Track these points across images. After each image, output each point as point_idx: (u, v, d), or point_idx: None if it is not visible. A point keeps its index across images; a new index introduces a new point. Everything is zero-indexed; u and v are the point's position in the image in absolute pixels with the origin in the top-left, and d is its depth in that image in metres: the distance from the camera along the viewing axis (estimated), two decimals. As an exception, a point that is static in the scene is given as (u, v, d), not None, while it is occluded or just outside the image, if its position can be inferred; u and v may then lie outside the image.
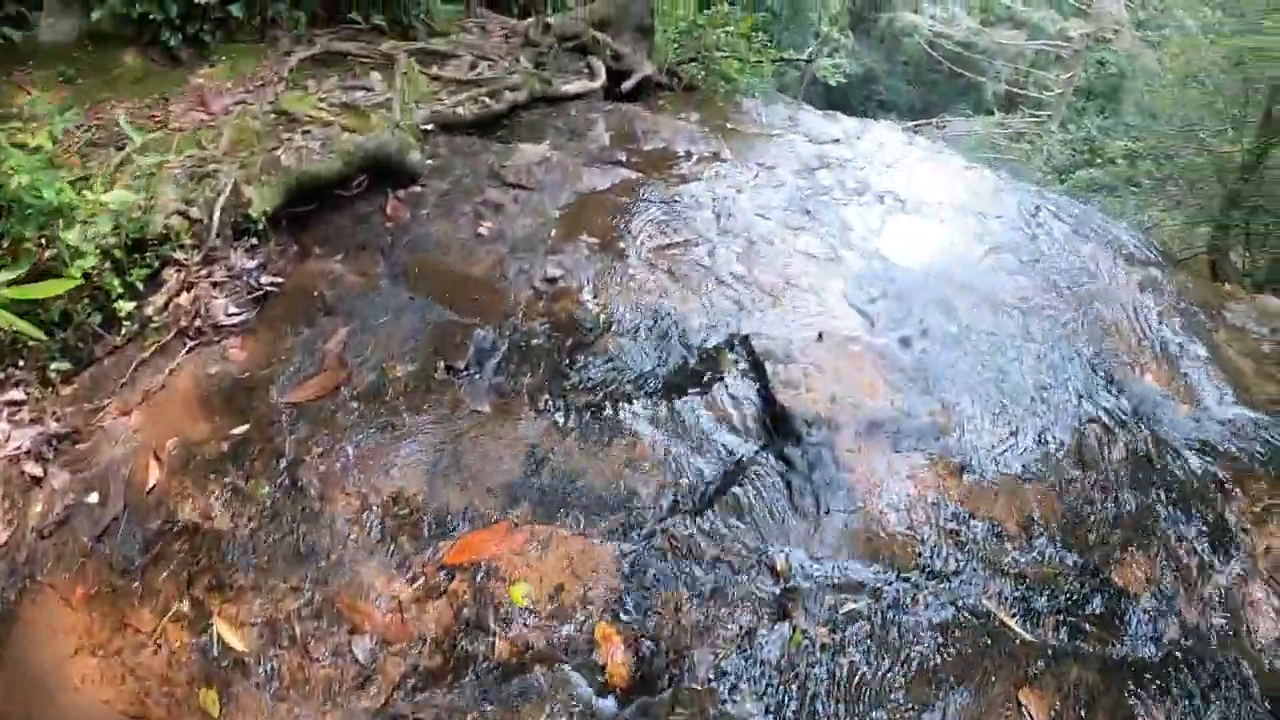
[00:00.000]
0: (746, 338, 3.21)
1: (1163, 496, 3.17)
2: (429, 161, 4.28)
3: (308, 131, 3.97)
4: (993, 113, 17.33)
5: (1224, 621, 2.68)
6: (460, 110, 4.60)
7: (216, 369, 3.01)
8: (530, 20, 5.77)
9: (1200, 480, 3.37)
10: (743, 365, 3.09)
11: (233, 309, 3.19)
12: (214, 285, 3.30)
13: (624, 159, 4.74)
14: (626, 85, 5.90)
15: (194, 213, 3.41)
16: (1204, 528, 3.07)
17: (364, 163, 3.84)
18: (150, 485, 2.59)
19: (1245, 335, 4.88)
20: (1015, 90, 18.00)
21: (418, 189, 4.06)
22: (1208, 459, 3.51)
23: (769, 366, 3.03)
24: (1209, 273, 9.53)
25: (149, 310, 3.15)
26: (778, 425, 2.84)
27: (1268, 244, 9.38)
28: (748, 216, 4.31)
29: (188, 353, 3.08)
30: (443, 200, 4.01)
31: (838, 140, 5.91)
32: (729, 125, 5.76)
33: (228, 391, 2.90)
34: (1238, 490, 3.37)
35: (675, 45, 6.82)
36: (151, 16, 4.42)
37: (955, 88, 20.47)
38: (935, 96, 21.22)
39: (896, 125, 6.73)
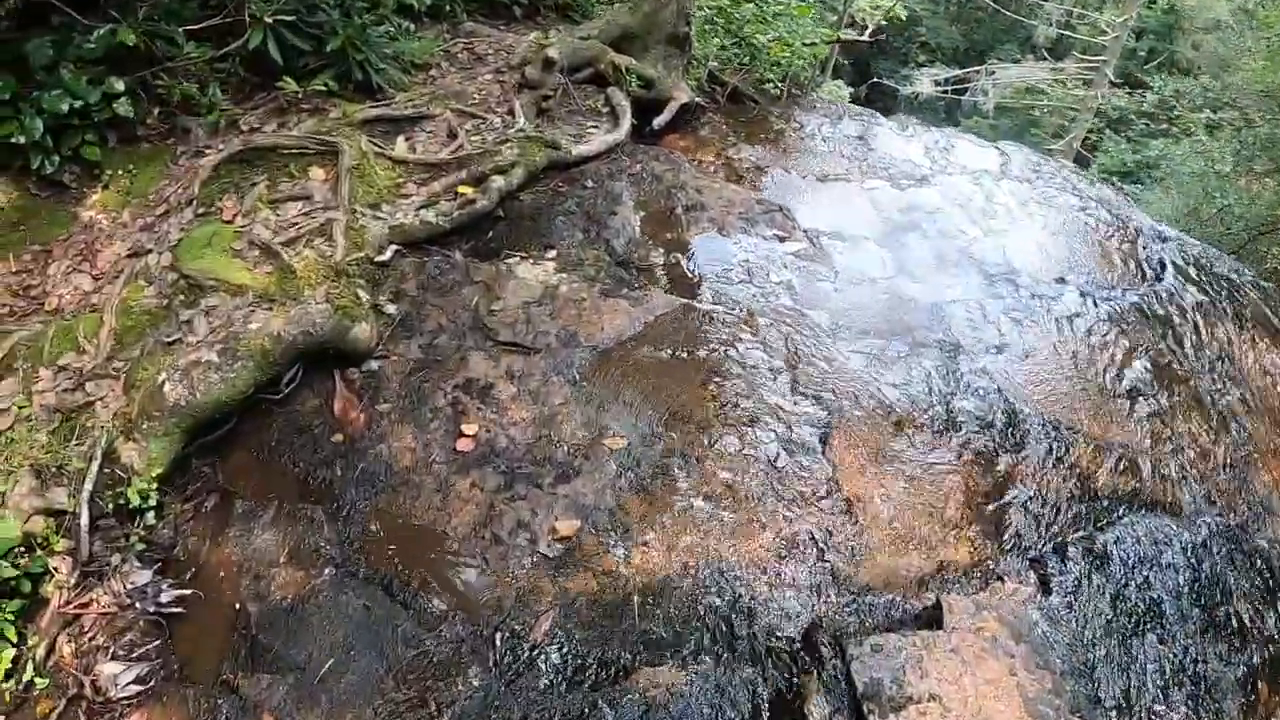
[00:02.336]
0: (844, 649, 2.08)
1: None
2: (390, 308, 3.12)
3: (213, 308, 2.84)
4: (1043, 56, 15.28)
5: None
6: (432, 217, 3.37)
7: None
8: (529, 42, 4.38)
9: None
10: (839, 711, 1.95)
11: (126, 678, 2.17)
12: (102, 618, 2.29)
13: (660, 262, 3.45)
14: (660, 121, 4.48)
15: (59, 500, 2.39)
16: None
17: (288, 358, 2.71)
18: None
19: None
20: (1065, 33, 15.68)
21: (374, 365, 2.92)
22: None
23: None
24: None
25: (28, 670, 2.19)
26: None
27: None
28: (831, 356, 3.08)
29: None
30: (409, 383, 2.86)
31: (924, 178, 4.50)
32: (790, 169, 4.37)
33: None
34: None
35: (715, 43, 5.30)
36: (13, 139, 3.28)
37: (1000, 25, 18.77)
38: (980, 36, 19.54)
39: (983, 143, 5.28)
